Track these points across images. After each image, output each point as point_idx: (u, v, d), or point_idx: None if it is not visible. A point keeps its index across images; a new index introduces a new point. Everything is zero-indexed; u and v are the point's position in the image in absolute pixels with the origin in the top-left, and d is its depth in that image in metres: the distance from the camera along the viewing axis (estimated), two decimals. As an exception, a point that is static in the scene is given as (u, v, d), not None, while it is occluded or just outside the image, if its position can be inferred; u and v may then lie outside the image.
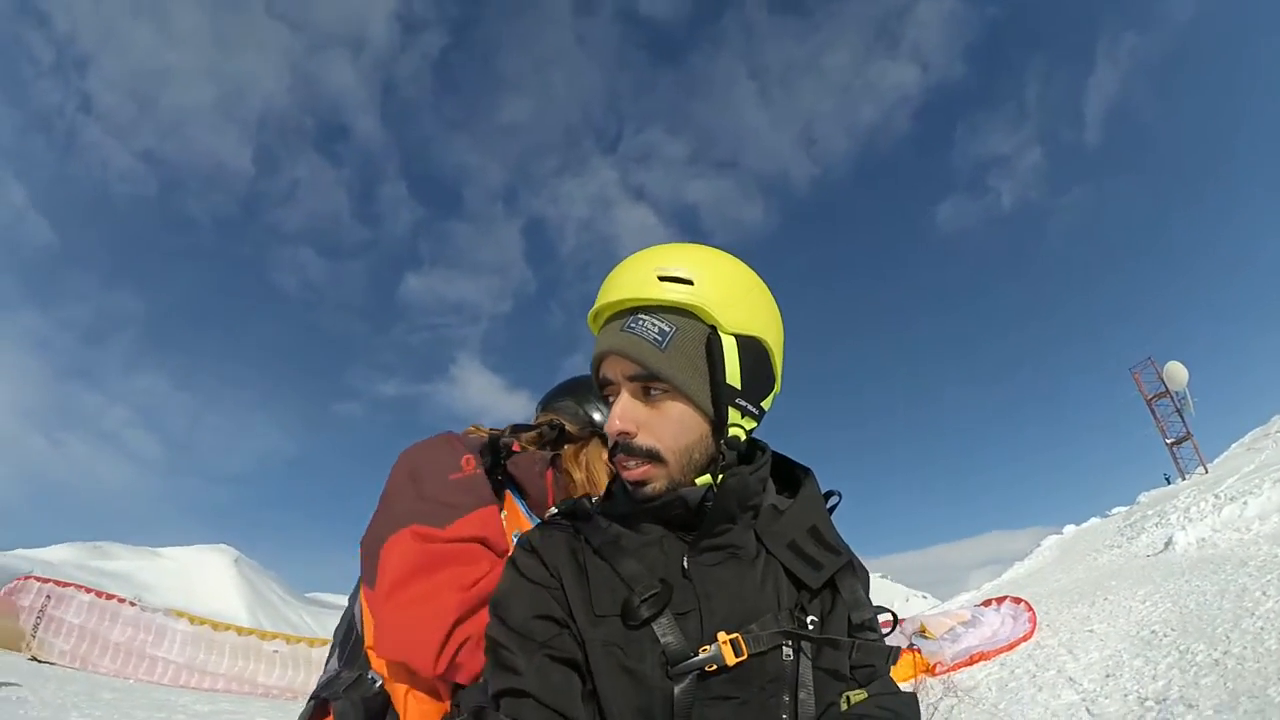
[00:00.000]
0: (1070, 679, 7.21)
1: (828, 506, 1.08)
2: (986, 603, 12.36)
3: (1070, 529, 23.23)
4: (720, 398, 0.95)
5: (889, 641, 1.03)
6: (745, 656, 0.88)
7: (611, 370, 0.99)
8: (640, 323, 0.96)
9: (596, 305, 1.03)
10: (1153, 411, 29.09)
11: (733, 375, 0.96)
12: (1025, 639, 9.79)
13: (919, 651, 9.74)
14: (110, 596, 15.88)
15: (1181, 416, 27.56)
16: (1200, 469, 25.06)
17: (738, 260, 1.04)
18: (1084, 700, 6.46)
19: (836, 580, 0.99)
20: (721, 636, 0.89)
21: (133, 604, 15.88)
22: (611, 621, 0.92)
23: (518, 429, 1.55)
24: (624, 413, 0.96)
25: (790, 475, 1.12)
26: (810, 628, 0.94)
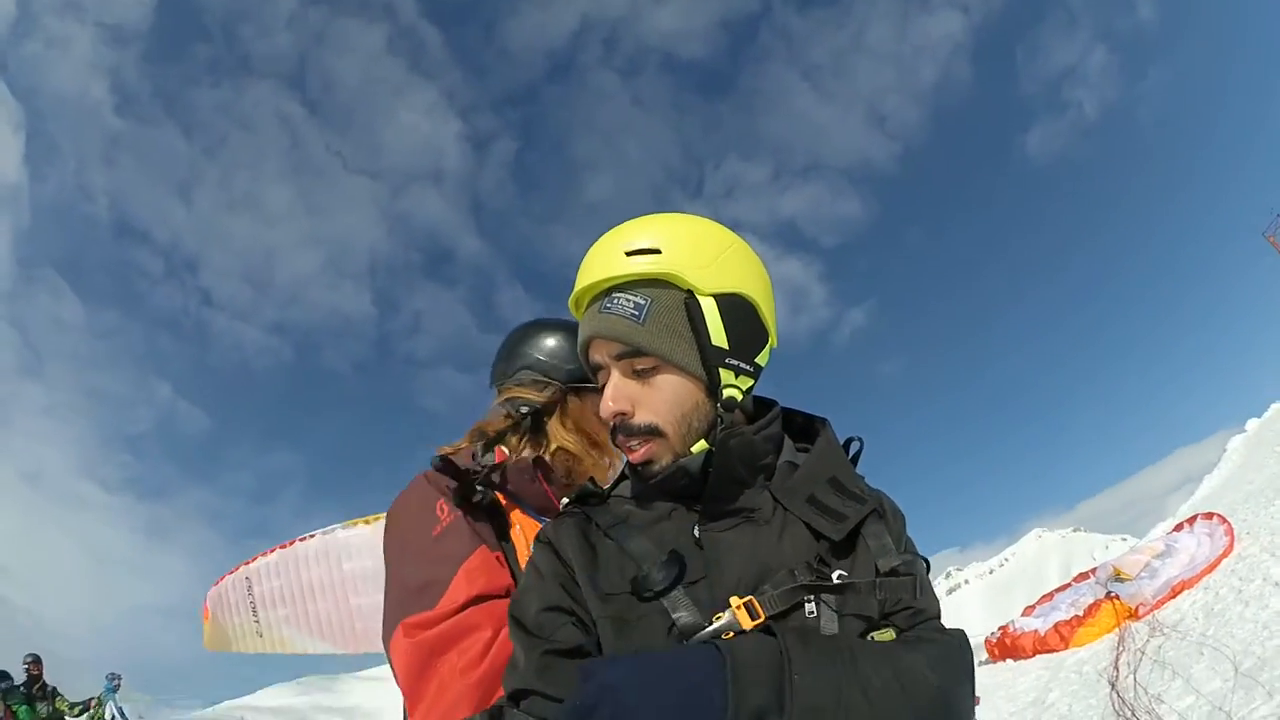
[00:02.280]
0: (1277, 584, 6.87)
1: (850, 455, 1.05)
2: (1178, 527, 11.54)
3: (1253, 423, 21.37)
4: (709, 360, 0.94)
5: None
6: (762, 619, 0.84)
7: (598, 353, 0.99)
8: (615, 301, 0.95)
9: (573, 292, 1.03)
10: (1302, 270, 26.53)
11: (718, 336, 0.94)
12: (1225, 555, 9.19)
13: (1118, 598, 9.33)
14: (290, 543, 16.28)
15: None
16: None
17: (708, 221, 1.02)
18: (1293, 602, 6.26)
19: (863, 530, 0.95)
20: (734, 601, 0.85)
21: (312, 536, 16.25)
22: (621, 599, 0.91)
23: (485, 438, 1.42)
24: (616, 393, 0.96)
25: (809, 429, 1.09)
26: (835, 580, 0.89)
